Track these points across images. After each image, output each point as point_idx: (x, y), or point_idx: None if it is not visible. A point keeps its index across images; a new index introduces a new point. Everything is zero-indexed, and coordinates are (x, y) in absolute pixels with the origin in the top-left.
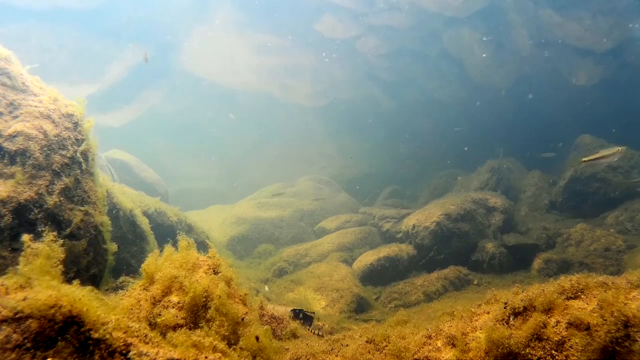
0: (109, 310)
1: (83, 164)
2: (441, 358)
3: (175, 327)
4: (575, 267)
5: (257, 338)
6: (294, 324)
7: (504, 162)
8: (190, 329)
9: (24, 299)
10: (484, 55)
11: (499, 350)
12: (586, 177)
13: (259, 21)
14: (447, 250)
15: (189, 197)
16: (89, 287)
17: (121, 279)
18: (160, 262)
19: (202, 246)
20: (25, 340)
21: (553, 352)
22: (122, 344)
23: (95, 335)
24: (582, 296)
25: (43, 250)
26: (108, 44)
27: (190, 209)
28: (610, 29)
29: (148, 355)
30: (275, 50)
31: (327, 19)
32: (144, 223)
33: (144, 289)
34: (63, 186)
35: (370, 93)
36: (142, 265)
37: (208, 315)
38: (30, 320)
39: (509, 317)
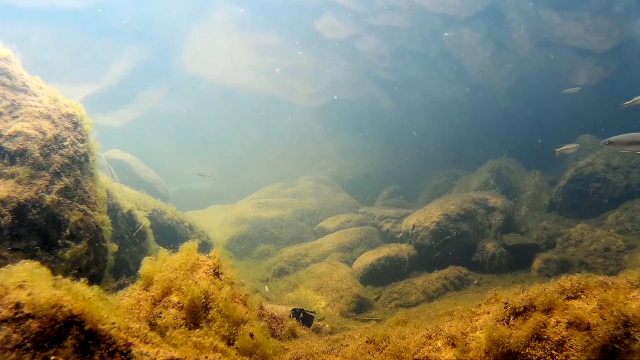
0: (110, 310)
1: (83, 164)
2: (441, 358)
3: (175, 327)
4: (575, 267)
5: (251, 335)
6: (293, 324)
7: (504, 162)
8: (190, 329)
9: (28, 295)
10: (446, 34)
11: (499, 350)
12: (586, 177)
13: (259, 21)
14: (447, 250)
15: (189, 197)
16: (95, 287)
17: (122, 279)
18: (160, 263)
19: (202, 246)
20: (26, 340)
21: (553, 352)
22: (122, 343)
23: (96, 335)
24: (582, 296)
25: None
26: (108, 43)
27: (190, 209)
28: (610, 29)
29: (148, 355)
30: (275, 50)
31: (327, 19)
32: (144, 223)
33: (144, 289)
34: (63, 186)
35: (370, 93)
36: (140, 269)
37: (209, 316)
38: (31, 320)
39: (509, 317)
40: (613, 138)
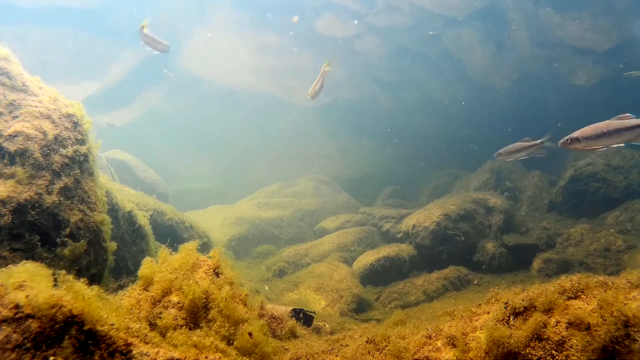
0: (110, 310)
1: (83, 164)
2: (441, 358)
3: (175, 328)
4: (575, 267)
5: (250, 334)
6: (293, 324)
7: (504, 162)
8: (190, 329)
9: (28, 295)
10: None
11: (499, 350)
12: (586, 177)
13: (259, 21)
14: (447, 250)
15: (189, 197)
16: (95, 287)
17: (122, 280)
18: (160, 263)
19: (202, 246)
20: (25, 341)
21: (553, 352)
22: (122, 344)
23: (96, 335)
24: (582, 296)
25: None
26: (108, 44)
27: (190, 209)
28: (610, 29)
29: (148, 355)
30: (275, 50)
31: (327, 19)
32: (144, 223)
33: (144, 289)
34: (63, 186)
35: (370, 93)
36: (140, 269)
37: (209, 316)
38: (31, 320)
39: (510, 317)
40: (501, 150)
